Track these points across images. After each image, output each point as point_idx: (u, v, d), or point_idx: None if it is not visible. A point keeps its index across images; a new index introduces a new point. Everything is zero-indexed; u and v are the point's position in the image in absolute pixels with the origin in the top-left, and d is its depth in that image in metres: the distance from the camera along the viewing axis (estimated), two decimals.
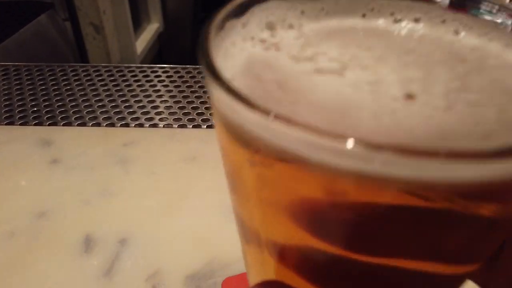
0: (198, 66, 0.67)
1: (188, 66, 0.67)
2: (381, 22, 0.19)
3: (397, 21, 0.19)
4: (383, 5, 0.19)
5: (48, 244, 0.37)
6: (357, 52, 0.16)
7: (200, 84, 0.62)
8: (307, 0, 0.19)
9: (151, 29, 2.85)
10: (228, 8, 0.17)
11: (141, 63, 2.57)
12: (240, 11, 0.17)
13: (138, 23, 2.69)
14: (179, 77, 0.64)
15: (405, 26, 0.19)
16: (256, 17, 0.18)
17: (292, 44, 0.17)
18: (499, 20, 0.71)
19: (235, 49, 0.16)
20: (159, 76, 0.64)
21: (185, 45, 3.09)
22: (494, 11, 0.66)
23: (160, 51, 2.98)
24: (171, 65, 0.67)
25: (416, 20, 0.19)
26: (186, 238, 0.37)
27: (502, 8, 0.23)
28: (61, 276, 0.34)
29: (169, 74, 0.65)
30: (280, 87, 0.14)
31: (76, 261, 0.35)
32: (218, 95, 0.12)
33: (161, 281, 0.33)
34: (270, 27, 0.18)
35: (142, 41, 2.67)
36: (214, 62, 0.13)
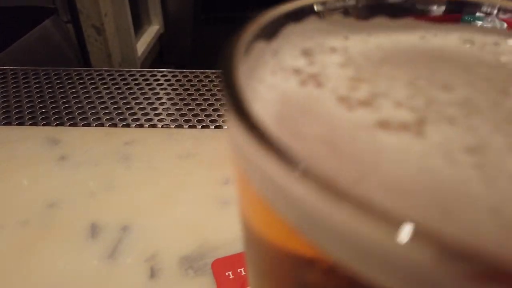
0: (194, 70, 0.71)
1: (185, 70, 0.71)
2: (449, 43, 0.15)
3: (468, 42, 0.15)
4: (440, 28, 0.16)
5: (59, 231, 0.41)
6: (431, 91, 0.12)
7: (196, 87, 0.66)
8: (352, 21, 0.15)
9: (152, 30, 2.90)
10: (255, 27, 0.13)
11: (142, 64, 2.62)
12: (270, 32, 0.14)
13: (138, 25, 2.74)
14: (176, 80, 0.68)
15: (485, 49, 0.14)
16: (289, 41, 0.14)
17: (337, 76, 0.13)
18: (489, 26, 0.77)
19: (263, 86, 0.13)
20: (158, 79, 0.69)
21: (185, 46, 3.14)
22: (489, 19, 0.72)
23: (161, 53, 3.03)
24: (169, 70, 0.71)
25: (496, 44, 0.15)
26: (181, 225, 0.42)
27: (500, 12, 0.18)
28: (70, 258, 0.39)
29: (167, 78, 0.69)
30: (332, 153, 0.09)
31: (84, 245, 0.40)
32: (256, 161, 0.08)
33: (158, 262, 0.38)
34: (307, 52, 0.14)
35: (143, 43, 2.72)
36: (248, 110, 0.09)
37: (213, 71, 0.71)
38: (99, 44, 2.23)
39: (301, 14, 0.15)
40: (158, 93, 0.65)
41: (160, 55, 3.02)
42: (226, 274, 0.37)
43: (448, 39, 0.16)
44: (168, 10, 3.02)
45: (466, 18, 0.74)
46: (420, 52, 0.15)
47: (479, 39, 0.15)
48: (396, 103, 0.11)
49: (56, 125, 0.57)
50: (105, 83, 0.67)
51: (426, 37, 0.16)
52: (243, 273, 0.37)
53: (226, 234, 0.41)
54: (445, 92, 0.12)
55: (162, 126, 0.57)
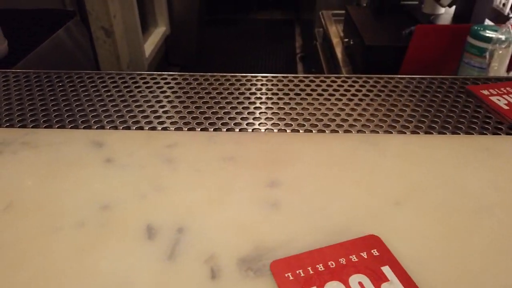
0: (226, 74, 0.72)
1: (217, 74, 0.72)
2: None
3: None
4: None
5: (115, 232, 0.42)
6: None
7: (240, 91, 0.67)
8: None
9: (158, 32, 2.91)
10: None
11: (149, 65, 2.63)
12: None
13: (145, 27, 2.75)
14: (208, 84, 0.69)
15: None
16: None
17: None
18: (502, 37, 0.81)
19: None
20: (190, 83, 0.70)
21: (190, 47, 3.15)
22: (504, 29, 0.76)
23: (167, 54, 3.04)
24: (200, 73, 0.72)
25: None
26: (233, 227, 0.43)
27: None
28: (130, 260, 0.39)
29: (199, 81, 0.70)
30: None
31: (142, 246, 0.41)
32: None
33: (217, 263, 0.39)
34: None
35: (150, 44, 2.73)
36: None
37: (244, 74, 0.72)
38: (107, 46, 2.24)
39: None
40: (192, 97, 0.66)
41: (166, 56, 3.03)
42: (286, 275, 0.38)
43: None
44: (174, 12, 3.03)
45: (477, 28, 0.77)
46: None
47: None
48: None
49: (97, 128, 0.58)
50: (138, 86, 0.68)
51: None
52: (302, 274, 0.38)
53: (278, 236, 0.42)
54: None
55: (200, 130, 0.58)
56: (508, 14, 1.53)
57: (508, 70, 1.18)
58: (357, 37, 1.51)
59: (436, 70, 1.36)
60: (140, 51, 2.51)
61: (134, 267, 0.39)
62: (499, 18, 1.50)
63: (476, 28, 1.16)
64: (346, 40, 1.66)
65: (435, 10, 1.54)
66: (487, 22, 1.40)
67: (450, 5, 1.43)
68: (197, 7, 3.13)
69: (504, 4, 1.58)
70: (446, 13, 1.55)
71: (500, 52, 1.07)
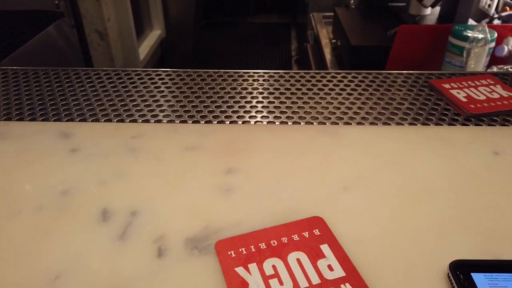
0: (198, 70, 0.74)
1: (188, 70, 0.74)
2: None
3: None
4: None
5: (72, 216, 0.44)
6: None
7: (199, 86, 0.69)
8: None
9: (154, 35, 2.93)
10: None
11: (144, 68, 2.65)
12: None
13: (141, 30, 2.78)
14: (180, 79, 0.72)
15: None
16: None
17: None
18: (481, 36, 0.85)
19: None
20: (163, 78, 0.72)
21: (186, 51, 3.18)
22: (480, 28, 0.79)
23: (163, 57, 3.07)
24: (174, 69, 0.75)
25: None
26: (186, 210, 0.45)
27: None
28: (84, 240, 0.41)
29: (171, 77, 0.72)
30: None
31: (96, 228, 0.43)
32: None
33: (165, 243, 0.41)
34: None
35: (145, 47, 2.76)
36: None
37: (215, 70, 0.74)
38: (102, 49, 2.27)
39: None
40: (163, 91, 0.68)
41: (162, 59, 3.06)
42: (229, 253, 0.39)
43: None
44: (169, 15, 3.06)
45: (458, 28, 0.80)
46: None
47: None
48: None
49: (67, 120, 0.60)
50: (112, 82, 0.71)
51: None
52: (244, 252, 0.39)
53: (228, 218, 0.44)
54: None
55: (167, 122, 0.60)
56: (493, 14, 1.55)
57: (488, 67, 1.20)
58: (344, 38, 1.53)
59: (419, 69, 1.38)
60: (135, 54, 2.53)
61: (86, 247, 0.41)
62: (485, 19, 1.51)
63: (456, 27, 1.18)
64: (334, 41, 1.69)
65: (420, 11, 1.56)
66: (471, 22, 1.42)
67: (433, 6, 1.45)
68: (193, 10, 3.16)
69: (489, 5, 1.60)
70: (431, 14, 1.57)
71: (476, 50, 1.09)
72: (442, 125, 0.59)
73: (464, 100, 0.63)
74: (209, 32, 3.86)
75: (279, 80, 0.72)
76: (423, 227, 0.42)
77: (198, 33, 3.34)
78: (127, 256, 0.40)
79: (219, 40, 3.74)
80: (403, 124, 0.59)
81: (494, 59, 1.23)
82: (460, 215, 0.43)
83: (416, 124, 0.59)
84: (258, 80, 0.72)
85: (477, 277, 0.35)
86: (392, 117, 0.61)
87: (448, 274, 0.36)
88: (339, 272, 0.37)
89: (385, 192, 0.47)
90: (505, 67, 1.14)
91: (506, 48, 1.22)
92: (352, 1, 1.83)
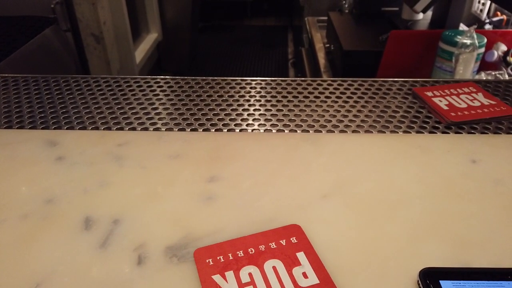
0: (186, 77, 0.75)
1: (177, 77, 0.75)
2: None
3: None
4: None
5: (55, 224, 0.45)
6: None
7: (186, 93, 0.71)
8: None
9: (150, 39, 2.95)
10: None
11: (140, 71, 2.67)
12: None
13: (137, 33, 2.79)
14: (168, 87, 0.73)
15: None
16: None
17: None
18: (469, 41, 0.87)
19: None
20: (151, 86, 0.73)
21: (183, 54, 3.19)
22: (468, 33, 0.82)
23: (159, 60, 3.08)
24: (162, 77, 0.76)
25: None
26: (167, 219, 0.46)
27: None
28: (66, 248, 0.42)
29: (160, 84, 0.73)
30: None
31: (78, 236, 0.44)
32: None
33: (145, 251, 0.42)
34: None
35: (141, 51, 2.77)
36: None
37: (204, 78, 0.75)
38: (98, 52, 2.28)
39: None
40: (150, 99, 0.69)
41: (158, 63, 3.07)
42: (207, 261, 0.40)
43: None
44: (166, 18, 3.07)
45: (447, 33, 0.81)
46: None
47: None
48: None
49: (54, 128, 0.61)
50: (101, 89, 0.72)
51: None
52: (222, 260, 0.40)
53: (208, 226, 0.45)
54: None
55: (153, 129, 0.61)
56: (485, 19, 1.56)
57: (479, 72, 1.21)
58: (336, 42, 1.55)
59: (411, 74, 1.39)
60: (131, 58, 2.54)
61: (68, 255, 0.42)
62: (477, 25, 1.53)
63: (446, 33, 1.20)
64: (328, 45, 1.70)
65: (413, 16, 1.58)
66: (462, 27, 1.43)
67: (424, 11, 1.46)
68: (189, 13, 3.17)
69: (481, 10, 1.61)
70: (424, 19, 1.58)
71: (465, 56, 1.10)
72: (423, 133, 0.60)
73: (446, 108, 0.64)
74: (206, 35, 3.87)
75: (276, 88, 0.73)
76: (397, 234, 0.43)
77: (195, 36, 3.35)
78: (107, 264, 0.41)
79: (216, 43, 3.75)
80: (384, 132, 0.60)
81: (485, 64, 1.24)
82: (433, 223, 0.44)
83: (397, 132, 0.60)
84: (256, 88, 0.73)
85: (445, 284, 0.36)
86: (374, 125, 0.62)
87: (417, 281, 0.37)
88: (313, 279, 0.38)
89: (362, 200, 0.48)
90: (493, 73, 1.16)
91: (496, 54, 1.23)
92: (346, 6, 1.85)
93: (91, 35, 2.23)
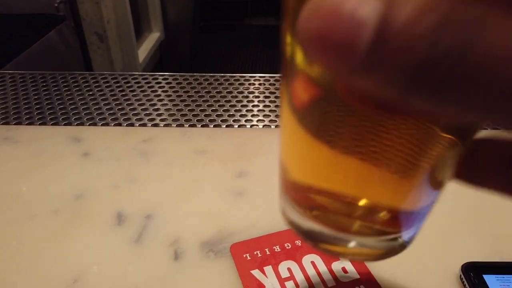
0: (205, 74, 0.75)
1: (195, 74, 0.75)
2: None
3: None
4: None
5: (87, 219, 0.45)
6: None
7: (206, 90, 0.70)
8: None
9: (152, 38, 2.94)
10: None
11: (143, 70, 2.66)
12: None
13: (139, 32, 2.79)
14: (188, 83, 0.72)
15: None
16: None
17: None
18: None
19: None
20: (170, 82, 0.72)
21: (184, 53, 3.19)
22: None
23: (161, 59, 3.07)
24: (178, 73, 0.75)
25: None
26: (199, 214, 0.45)
27: None
28: (99, 244, 0.42)
29: (178, 81, 0.73)
30: None
31: (111, 232, 0.43)
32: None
33: (181, 246, 0.41)
34: None
35: (144, 50, 2.77)
36: None
37: (223, 74, 0.75)
38: (101, 51, 2.27)
39: None
40: (171, 95, 0.69)
41: (160, 62, 3.06)
42: (244, 256, 0.40)
43: None
44: (168, 17, 3.07)
45: None
46: None
47: None
48: None
49: (77, 125, 0.61)
50: (120, 86, 0.71)
51: None
52: (259, 255, 0.40)
53: (241, 221, 0.44)
54: None
55: (176, 126, 0.61)
56: None
57: None
58: None
59: None
60: (134, 56, 2.54)
61: (103, 250, 0.41)
62: None
63: None
64: None
65: None
66: None
67: None
68: (191, 12, 3.17)
69: None
70: None
71: None
72: None
73: None
74: (207, 34, 3.86)
75: (274, 84, 0.72)
76: (434, 229, 0.43)
77: (196, 36, 3.35)
78: (144, 259, 0.40)
79: (217, 43, 3.75)
80: None
81: None
82: (468, 217, 0.44)
83: None
84: (254, 84, 0.72)
85: (489, 278, 0.36)
86: None
87: (460, 276, 0.37)
88: (353, 274, 0.38)
89: None
90: None
91: None
92: None
93: (94, 33, 2.22)
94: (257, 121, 0.62)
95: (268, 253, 0.40)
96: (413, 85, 0.10)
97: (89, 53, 2.20)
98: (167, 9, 3.05)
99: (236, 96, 0.69)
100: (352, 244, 0.20)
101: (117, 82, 0.72)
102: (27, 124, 0.61)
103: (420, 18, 0.10)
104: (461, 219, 0.44)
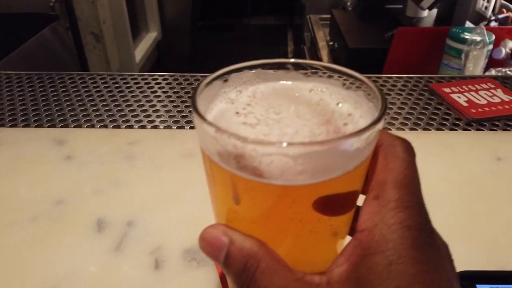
0: (195, 74, 0.73)
1: (186, 74, 0.73)
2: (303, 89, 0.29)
3: (312, 90, 0.29)
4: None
5: (66, 226, 0.43)
6: (269, 114, 0.25)
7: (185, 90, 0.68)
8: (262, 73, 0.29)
9: (150, 37, 2.92)
10: (216, 73, 0.27)
11: (140, 70, 2.64)
12: (223, 76, 0.28)
13: (137, 32, 2.77)
14: (177, 83, 0.70)
15: (315, 93, 0.28)
16: (232, 81, 0.28)
17: (242, 103, 0.27)
18: (479, 38, 0.84)
19: (214, 104, 0.27)
20: (159, 83, 0.71)
21: (183, 53, 3.17)
22: (478, 30, 0.81)
23: (159, 59, 3.05)
24: (171, 73, 0.73)
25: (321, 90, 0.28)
26: (183, 220, 0.43)
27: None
28: (79, 251, 0.40)
29: (168, 81, 0.71)
30: (225, 126, 0.21)
31: (90, 239, 0.41)
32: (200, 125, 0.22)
33: (162, 254, 0.40)
34: (240, 90, 0.28)
35: (141, 49, 2.75)
36: (200, 110, 0.23)
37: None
38: (97, 51, 2.25)
39: (241, 69, 0.28)
40: (159, 96, 0.67)
41: (158, 61, 3.04)
42: None
43: (302, 87, 0.29)
44: (166, 17, 3.05)
45: (455, 30, 0.79)
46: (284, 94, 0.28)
47: (317, 87, 0.28)
48: (255, 116, 0.25)
49: (61, 126, 0.59)
50: (107, 86, 0.69)
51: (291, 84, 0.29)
52: None
53: None
54: (275, 114, 0.25)
55: (164, 127, 0.59)
56: (490, 16, 1.54)
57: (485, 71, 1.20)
58: (341, 40, 1.53)
59: (417, 72, 1.38)
60: (131, 56, 2.52)
61: (82, 258, 0.40)
62: (482, 21, 1.51)
63: (454, 30, 1.18)
64: (331, 43, 1.68)
65: (418, 13, 1.56)
66: (468, 24, 1.41)
67: (430, 8, 1.44)
68: (189, 12, 3.15)
69: (486, 7, 1.59)
70: (428, 16, 1.56)
71: (475, 53, 1.08)
72: (443, 130, 0.58)
73: (465, 104, 0.62)
74: (205, 34, 3.84)
75: None
76: None
77: (194, 35, 3.33)
78: (123, 268, 0.39)
79: (215, 42, 3.73)
80: (403, 129, 0.58)
81: (492, 62, 1.23)
82: (464, 224, 0.42)
83: (417, 129, 0.58)
84: None
85: None
86: (392, 122, 0.60)
87: None
88: None
89: None
90: (503, 70, 1.14)
91: (504, 51, 1.22)
92: (349, 3, 1.83)
93: (90, 33, 2.21)
94: None
95: None
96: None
97: (85, 53, 2.18)
98: (164, 8, 3.03)
99: None
100: None
101: (105, 83, 0.71)
102: (10, 126, 0.59)
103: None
104: (455, 225, 0.42)
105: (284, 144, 0.21)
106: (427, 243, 0.21)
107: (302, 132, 0.24)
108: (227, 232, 0.22)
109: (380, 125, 0.23)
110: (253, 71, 0.30)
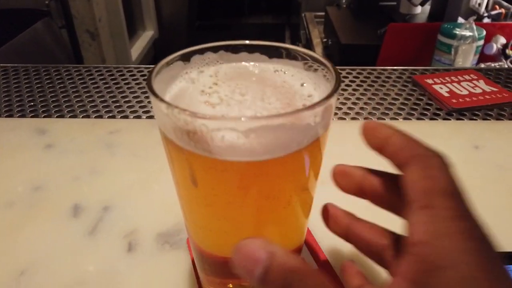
0: None
1: None
2: (266, 70, 0.29)
3: (276, 70, 0.30)
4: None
5: (42, 212, 0.43)
6: (234, 95, 0.26)
7: None
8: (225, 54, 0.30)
9: (146, 36, 2.92)
10: (177, 54, 0.28)
11: None
12: (184, 57, 0.28)
13: (133, 31, 2.77)
14: None
15: (278, 74, 0.29)
16: (194, 62, 0.29)
17: (206, 83, 0.28)
18: (468, 33, 0.85)
19: (175, 84, 0.28)
20: (145, 75, 0.71)
21: (180, 51, 3.16)
22: (468, 25, 0.82)
23: (155, 58, 3.06)
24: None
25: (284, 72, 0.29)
26: (158, 206, 0.44)
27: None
28: (54, 236, 0.41)
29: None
30: (188, 107, 0.22)
31: (66, 224, 0.42)
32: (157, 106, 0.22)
33: (136, 238, 0.40)
34: (201, 70, 0.29)
35: (137, 48, 2.75)
36: (154, 88, 0.23)
37: None
38: (93, 49, 2.25)
39: (203, 50, 0.29)
40: (144, 87, 0.67)
41: (155, 60, 3.04)
42: None
43: (266, 68, 0.29)
44: (162, 15, 3.05)
45: (446, 26, 0.80)
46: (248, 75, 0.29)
47: (280, 68, 0.29)
48: (218, 96, 0.26)
49: (44, 117, 0.60)
50: (92, 78, 0.70)
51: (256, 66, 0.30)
52: None
53: None
54: (244, 94, 0.26)
55: (146, 117, 0.59)
56: (483, 13, 1.55)
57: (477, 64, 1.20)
58: (334, 36, 1.53)
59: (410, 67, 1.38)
60: (127, 55, 2.52)
61: (55, 243, 0.40)
62: (476, 17, 1.51)
63: (445, 26, 1.18)
64: (325, 40, 1.68)
65: (411, 10, 1.56)
66: (461, 20, 1.42)
67: (422, 4, 1.45)
68: (186, 10, 3.15)
69: (479, 4, 1.59)
70: (421, 13, 1.57)
71: (464, 47, 1.09)
72: (424, 119, 0.58)
73: (447, 95, 0.62)
74: (203, 33, 3.85)
75: None
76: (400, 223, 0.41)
77: (191, 34, 3.34)
78: (96, 252, 0.39)
79: (213, 41, 3.72)
80: (384, 119, 0.58)
81: (484, 57, 1.23)
82: None
83: (397, 119, 0.58)
84: None
85: None
86: (374, 112, 0.60)
87: None
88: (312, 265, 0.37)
89: None
90: (493, 65, 1.14)
91: (495, 46, 1.22)
92: (343, 1, 1.83)
93: (86, 31, 2.21)
94: None
95: None
96: None
97: (81, 52, 2.18)
98: (161, 7, 3.03)
99: None
100: None
101: (91, 75, 0.71)
102: None
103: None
104: None
105: (233, 119, 0.22)
106: (491, 256, 0.19)
107: (260, 115, 0.24)
108: (267, 246, 0.19)
109: (332, 101, 0.23)
110: (217, 53, 0.30)
